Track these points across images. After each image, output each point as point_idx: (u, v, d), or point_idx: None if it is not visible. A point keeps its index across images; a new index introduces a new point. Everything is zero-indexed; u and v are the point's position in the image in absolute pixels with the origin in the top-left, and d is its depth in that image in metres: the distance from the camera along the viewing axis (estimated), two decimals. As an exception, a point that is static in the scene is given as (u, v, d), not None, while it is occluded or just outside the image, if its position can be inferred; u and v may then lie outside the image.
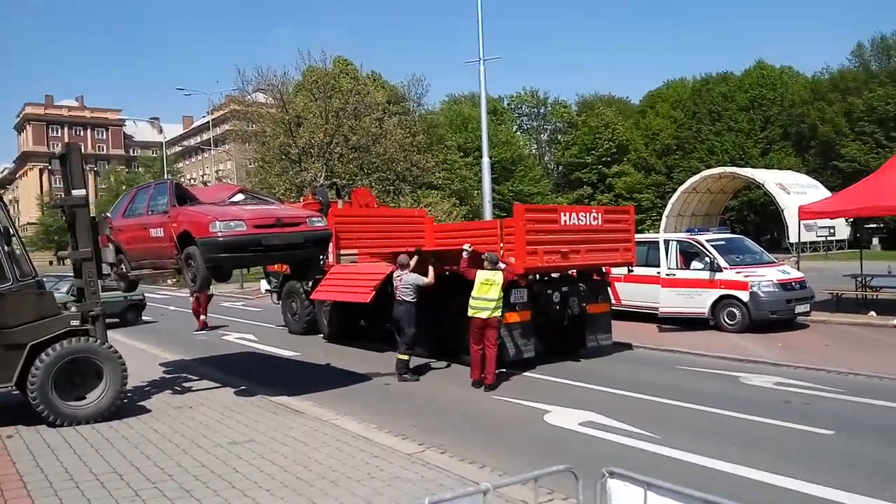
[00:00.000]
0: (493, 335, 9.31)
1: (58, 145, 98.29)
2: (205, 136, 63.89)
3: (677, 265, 14.43)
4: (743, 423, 7.55)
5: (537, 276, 10.74)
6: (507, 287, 10.02)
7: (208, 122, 54.85)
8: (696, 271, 14.13)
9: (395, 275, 10.48)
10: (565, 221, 10.73)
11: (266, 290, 18.34)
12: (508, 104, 65.62)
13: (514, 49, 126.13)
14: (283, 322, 16.18)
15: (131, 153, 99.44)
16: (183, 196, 8.89)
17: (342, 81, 33.64)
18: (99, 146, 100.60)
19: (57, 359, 7.36)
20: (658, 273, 14.40)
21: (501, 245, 11.97)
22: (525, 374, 10.43)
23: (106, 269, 9.15)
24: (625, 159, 56.79)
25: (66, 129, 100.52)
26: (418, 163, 34.70)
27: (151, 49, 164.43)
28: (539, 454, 6.63)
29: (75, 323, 7.74)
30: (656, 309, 14.32)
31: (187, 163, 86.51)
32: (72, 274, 16.80)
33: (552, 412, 8.10)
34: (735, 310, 13.64)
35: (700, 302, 13.94)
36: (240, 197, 9.33)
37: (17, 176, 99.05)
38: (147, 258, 9.13)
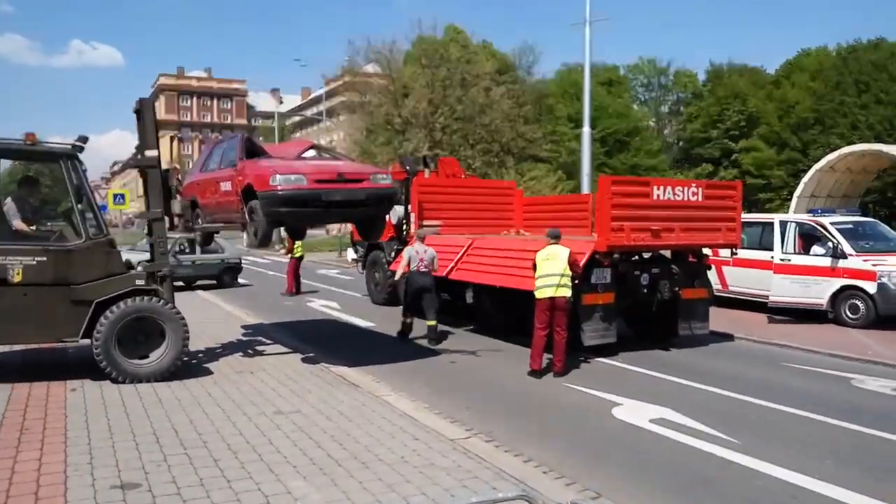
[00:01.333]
0: (562, 318, 8.58)
1: (188, 115, 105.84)
2: (320, 108, 65.73)
3: (794, 249, 12.97)
4: (846, 434, 6.54)
5: (623, 255, 9.84)
6: (588, 266, 9.30)
7: (322, 93, 56.23)
8: (816, 257, 12.63)
9: (418, 247, 10.94)
10: (658, 196, 9.75)
11: (353, 259, 18.40)
12: (625, 74, 62.55)
13: (639, 15, 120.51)
14: (367, 292, 16.15)
15: (252, 123, 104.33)
16: (254, 151, 8.77)
17: (451, 49, 33.12)
18: (224, 115, 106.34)
19: (120, 317, 7.47)
20: (771, 258, 13.01)
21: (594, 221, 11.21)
22: (603, 360, 9.66)
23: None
24: (754, 133, 52.70)
25: (195, 98, 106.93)
26: (524, 134, 33.69)
27: (276, 21, 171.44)
28: (595, 451, 6.01)
29: (140, 282, 7.80)
30: (767, 297, 12.97)
31: (304, 132, 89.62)
32: (176, 235, 17.78)
33: (623, 405, 7.36)
34: (859, 302, 12.07)
35: (818, 292, 12.44)
36: (311, 153, 9.12)
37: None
38: (219, 213, 9.12)
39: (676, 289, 10.13)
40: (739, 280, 14.06)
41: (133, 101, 8.45)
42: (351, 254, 18.60)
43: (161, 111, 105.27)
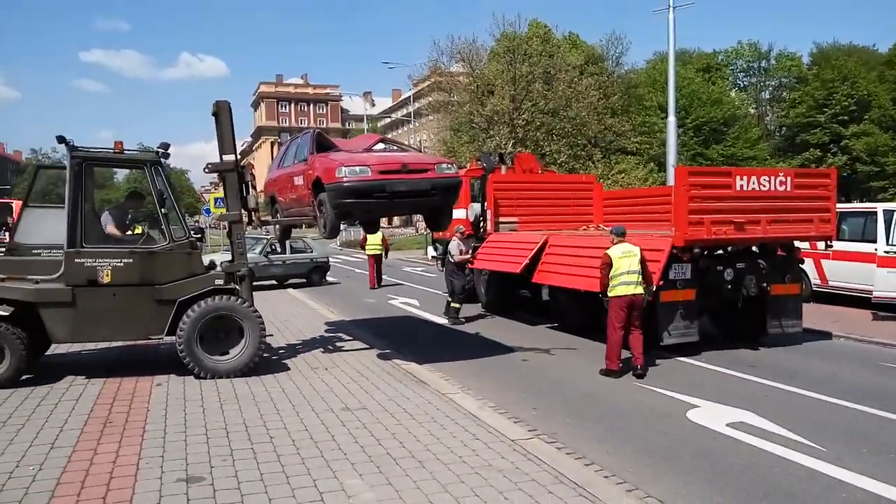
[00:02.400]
0: (639, 316, 8.29)
1: (287, 120, 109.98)
2: (409, 109, 66.60)
3: (902, 241, 11.92)
4: (953, 445, 5.93)
5: (705, 249, 9.36)
6: (667, 261, 8.92)
7: (410, 94, 56.93)
8: (928, 249, 11.57)
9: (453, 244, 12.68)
10: (741, 186, 9.22)
11: (432, 257, 18.55)
12: (723, 60, 59.57)
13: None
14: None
15: (346, 126, 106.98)
16: (325, 145, 8.96)
17: (532, 45, 32.66)
18: (319, 120, 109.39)
19: (201, 315, 7.83)
20: (875, 250, 12.04)
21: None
22: (684, 360, 9.24)
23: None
24: (865, 117, 48.98)
25: (292, 105, 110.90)
26: (612, 126, 32.77)
27: (367, 26, 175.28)
28: (663, 456, 5.74)
29: (219, 282, 8.15)
30: (871, 293, 12.01)
31: (395, 133, 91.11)
32: (266, 235, 18.55)
33: (700, 408, 7.01)
34: (977, 298, 10.97)
35: (930, 286, 11.40)
36: (380, 146, 9.20)
37: (254, 148, 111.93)
38: (294, 207, 9.36)
39: (764, 284, 9.55)
40: (840, 274, 13.13)
41: (238, 108, 8.77)
42: (430, 251, 18.78)
43: (262, 118, 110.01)
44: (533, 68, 30.97)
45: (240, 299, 8.18)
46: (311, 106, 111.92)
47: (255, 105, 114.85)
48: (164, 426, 6.14)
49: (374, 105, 71.96)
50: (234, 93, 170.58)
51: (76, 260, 7.50)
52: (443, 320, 13.12)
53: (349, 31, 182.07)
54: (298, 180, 8.83)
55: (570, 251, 10.68)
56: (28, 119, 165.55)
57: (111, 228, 8.18)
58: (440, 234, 15.86)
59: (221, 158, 8.72)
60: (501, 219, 13.19)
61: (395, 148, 9.44)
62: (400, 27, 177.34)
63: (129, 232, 8.54)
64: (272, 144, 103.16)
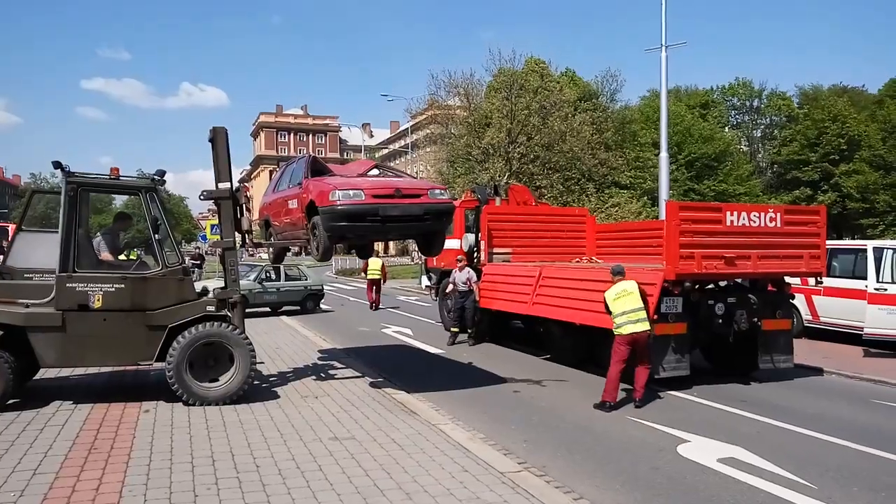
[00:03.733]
0: (646, 351, 8.36)
1: (286, 150, 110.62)
2: (406, 140, 67.16)
3: (892, 278, 12.00)
4: (942, 483, 5.91)
5: (696, 284, 9.40)
6: (659, 295, 8.95)
7: (408, 126, 57.46)
8: (918, 287, 11.64)
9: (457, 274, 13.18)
10: (732, 222, 9.30)
11: (426, 287, 18.60)
12: (718, 96, 60.53)
13: (730, 35, 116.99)
14: (440, 318, 16.16)
15: (345, 156, 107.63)
16: (320, 170, 9.03)
17: (531, 79, 33.12)
18: (318, 150, 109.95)
19: (191, 341, 7.78)
20: (865, 287, 12.11)
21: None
22: (676, 394, 9.22)
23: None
24: (856, 156, 49.65)
25: (292, 135, 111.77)
26: (605, 161, 33.10)
27: (367, 59, 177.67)
28: (655, 492, 5.70)
29: (211, 308, 8.12)
30: (862, 329, 12.05)
31: (393, 164, 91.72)
32: (262, 263, 18.56)
33: (690, 442, 6.98)
34: (969, 336, 11.02)
35: (921, 324, 11.45)
36: (374, 172, 9.30)
37: (252, 177, 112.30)
38: (288, 230, 9.44)
39: (755, 319, 9.58)
40: (831, 310, 13.17)
41: (237, 138, 8.91)
42: (425, 281, 18.88)
43: (262, 147, 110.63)
44: (530, 102, 31.31)
45: (230, 326, 8.15)
46: (311, 136, 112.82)
47: (255, 134, 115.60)
48: (149, 453, 6.07)
49: (372, 136, 72.70)
50: (234, 122, 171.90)
51: (68, 284, 7.48)
52: (436, 349, 13.07)
53: (349, 63, 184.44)
54: (293, 204, 8.90)
55: (564, 283, 10.72)
56: (28, 144, 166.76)
57: (105, 254, 8.19)
58: (434, 263, 16.01)
59: (217, 186, 8.77)
60: (495, 250, 13.25)
61: (390, 174, 9.54)
62: (399, 60, 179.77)
63: (124, 256, 8.56)
64: (271, 173, 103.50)
